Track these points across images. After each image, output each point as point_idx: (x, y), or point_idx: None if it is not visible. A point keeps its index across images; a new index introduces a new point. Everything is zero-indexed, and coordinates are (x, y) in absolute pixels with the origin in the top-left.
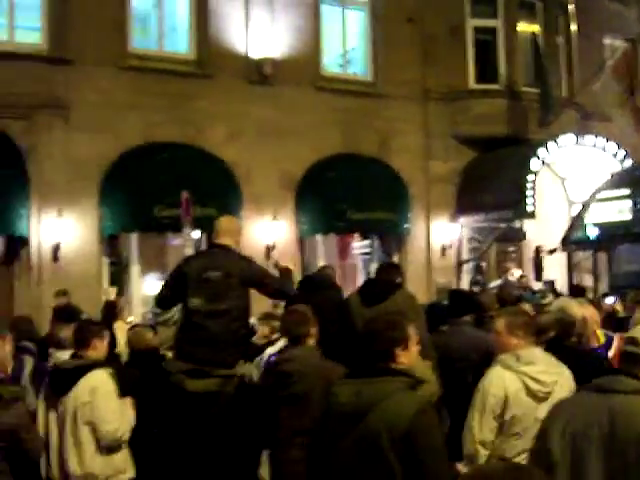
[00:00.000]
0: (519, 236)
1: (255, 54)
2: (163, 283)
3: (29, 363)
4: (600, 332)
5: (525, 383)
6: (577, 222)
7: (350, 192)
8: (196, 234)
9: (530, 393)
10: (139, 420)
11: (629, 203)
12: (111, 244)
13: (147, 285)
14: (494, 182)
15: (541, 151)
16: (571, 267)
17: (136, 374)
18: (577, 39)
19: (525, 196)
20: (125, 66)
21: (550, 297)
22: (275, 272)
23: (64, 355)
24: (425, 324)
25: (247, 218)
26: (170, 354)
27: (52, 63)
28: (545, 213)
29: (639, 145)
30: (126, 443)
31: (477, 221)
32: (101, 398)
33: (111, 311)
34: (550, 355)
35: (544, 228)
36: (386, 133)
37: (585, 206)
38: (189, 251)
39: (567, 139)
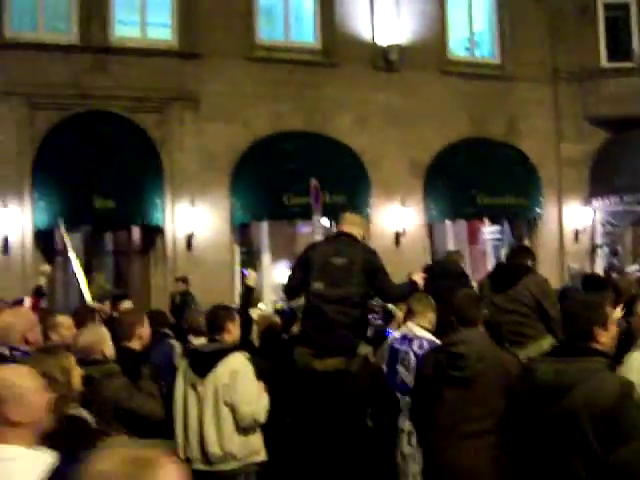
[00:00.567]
0: None
1: (380, 40)
2: (290, 273)
3: (177, 346)
4: None
5: None
6: None
7: (479, 177)
8: (325, 221)
9: None
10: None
11: None
12: (242, 233)
13: (277, 273)
14: (630, 164)
15: None
16: None
17: (267, 361)
18: None
19: None
20: (252, 57)
21: None
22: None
23: (200, 341)
24: (559, 308)
25: (376, 205)
26: None
27: (182, 58)
28: None
29: None
30: (260, 426)
31: (611, 204)
32: (241, 380)
33: (250, 297)
34: None
35: None
36: (514, 116)
37: None
38: (318, 238)
39: None
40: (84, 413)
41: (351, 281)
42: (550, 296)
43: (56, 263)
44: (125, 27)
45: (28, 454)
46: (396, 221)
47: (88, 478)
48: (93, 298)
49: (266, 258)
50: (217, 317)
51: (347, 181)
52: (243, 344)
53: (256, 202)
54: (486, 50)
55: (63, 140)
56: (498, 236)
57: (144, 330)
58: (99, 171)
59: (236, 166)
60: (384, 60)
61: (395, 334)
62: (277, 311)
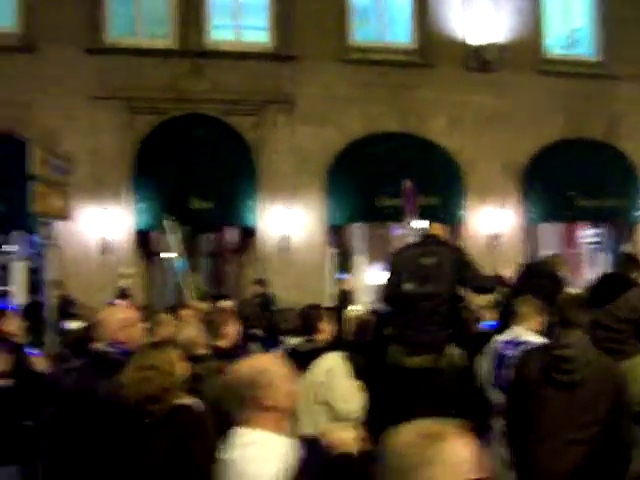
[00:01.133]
0: None
1: (474, 40)
2: (385, 283)
3: (257, 349)
4: None
5: None
6: None
7: (577, 179)
8: (419, 223)
9: None
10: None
11: None
12: (335, 234)
13: (371, 275)
14: None
15: None
16: None
17: (362, 360)
18: None
19: None
20: (347, 59)
21: None
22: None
23: (294, 341)
24: None
25: (471, 208)
26: None
27: (278, 60)
28: None
29: None
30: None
31: None
32: (337, 378)
33: (345, 299)
34: None
35: None
36: (614, 115)
37: None
38: (411, 241)
39: None
40: (191, 401)
41: (442, 279)
42: None
43: (154, 263)
44: (221, 31)
45: (277, 440)
46: (492, 224)
47: (388, 448)
48: (194, 297)
49: (360, 260)
50: (309, 317)
51: (441, 183)
52: (338, 343)
53: (350, 204)
54: (585, 48)
55: (161, 143)
56: (597, 239)
57: (231, 329)
58: (196, 173)
59: (330, 168)
60: (478, 60)
61: (501, 338)
62: (373, 311)
